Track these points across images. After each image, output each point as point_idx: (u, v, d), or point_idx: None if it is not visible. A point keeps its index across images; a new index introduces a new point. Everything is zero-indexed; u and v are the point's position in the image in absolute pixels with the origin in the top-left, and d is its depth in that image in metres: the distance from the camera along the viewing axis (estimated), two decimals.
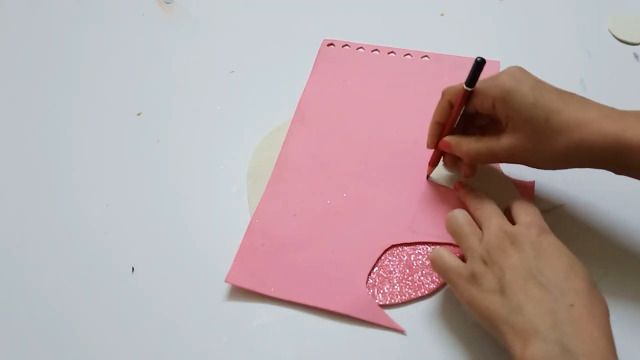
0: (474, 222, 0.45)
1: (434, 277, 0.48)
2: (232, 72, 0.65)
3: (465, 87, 0.47)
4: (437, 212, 0.52)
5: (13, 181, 0.58)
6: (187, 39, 0.70)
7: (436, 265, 0.45)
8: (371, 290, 0.48)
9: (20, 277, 0.51)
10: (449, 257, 0.44)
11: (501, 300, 0.39)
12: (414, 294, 0.48)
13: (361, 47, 0.66)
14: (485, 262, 0.41)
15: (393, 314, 0.47)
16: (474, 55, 0.65)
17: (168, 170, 0.58)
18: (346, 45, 0.67)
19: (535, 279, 0.39)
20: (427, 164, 0.54)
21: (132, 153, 0.59)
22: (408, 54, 0.65)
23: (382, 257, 0.50)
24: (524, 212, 0.44)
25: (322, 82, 0.63)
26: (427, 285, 0.48)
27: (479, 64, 0.46)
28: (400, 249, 0.50)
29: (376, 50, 0.66)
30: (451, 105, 0.49)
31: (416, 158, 0.55)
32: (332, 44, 0.67)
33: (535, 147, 0.44)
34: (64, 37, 0.71)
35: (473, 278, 0.41)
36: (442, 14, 0.70)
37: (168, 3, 0.73)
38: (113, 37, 0.70)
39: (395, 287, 0.48)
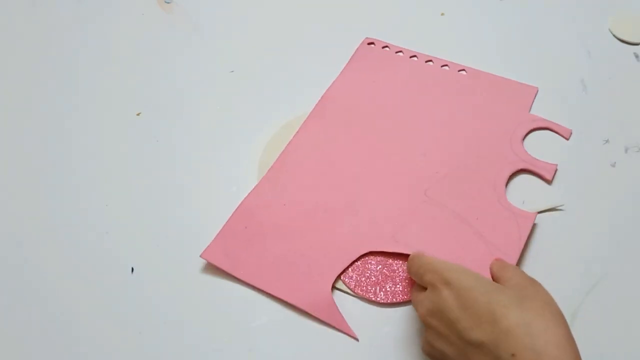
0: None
1: None
2: (232, 71, 0.65)
3: None
4: (426, 228, 0.50)
5: (13, 181, 0.58)
6: (187, 39, 0.69)
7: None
8: (373, 288, 0.48)
9: (20, 277, 0.51)
10: None
11: None
12: None
13: (400, 51, 0.64)
14: None
15: (394, 314, 0.47)
16: (474, 56, 0.65)
17: (168, 170, 0.58)
18: (386, 46, 0.65)
19: None
20: (431, 177, 0.53)
21: (132, 153, 0.59)
22: (446, 65, 0.63)
23: (384, 257, 0.49)
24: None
25: (352, 79, 0.62)
26: None
27: None
28: None
29: (414, 56, 0.64)
30: None
31: (421, 170, 0.54)
32: (372, 43, 0.65)
33: None
34: (64, 36, 0.71)
35: None
36: (442, 14, 0.70)
37: (168, 3, 0.73)
38: (113, 37, 0.70)
39: (398, 286, 0.48)
